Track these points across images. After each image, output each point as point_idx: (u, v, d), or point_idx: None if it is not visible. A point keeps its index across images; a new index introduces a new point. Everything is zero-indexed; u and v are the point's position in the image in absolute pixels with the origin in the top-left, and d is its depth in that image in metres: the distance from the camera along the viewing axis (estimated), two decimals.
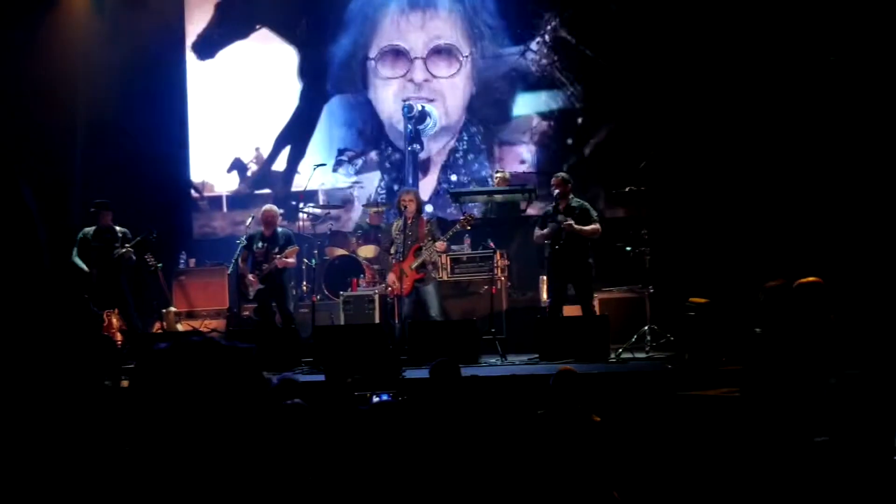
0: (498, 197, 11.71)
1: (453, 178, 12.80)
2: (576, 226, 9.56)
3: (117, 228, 10.45)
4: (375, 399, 6.43)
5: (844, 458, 3.97)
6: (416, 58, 13.00)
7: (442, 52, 12.96)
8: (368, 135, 13.10)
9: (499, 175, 12.00)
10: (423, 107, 12.34)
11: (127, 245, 10.26)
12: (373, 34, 13.15)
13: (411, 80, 12.94)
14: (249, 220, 11.23)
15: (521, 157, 12.61)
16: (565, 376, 5.46)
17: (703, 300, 8.34)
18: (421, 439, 5.00)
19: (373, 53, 13.13)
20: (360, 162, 13.02)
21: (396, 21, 13.12)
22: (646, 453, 6.65)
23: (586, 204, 9.99)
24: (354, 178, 12.97)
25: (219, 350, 1.53)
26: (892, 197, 10.27)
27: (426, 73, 12.94)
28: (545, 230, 9.79)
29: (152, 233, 10.45)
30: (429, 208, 12.45)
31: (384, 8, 13.16)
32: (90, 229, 10.46)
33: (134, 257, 10.33)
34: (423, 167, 12.63)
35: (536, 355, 9.13)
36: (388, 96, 12.99)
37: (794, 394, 5.39)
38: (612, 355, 9.05)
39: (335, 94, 13.20)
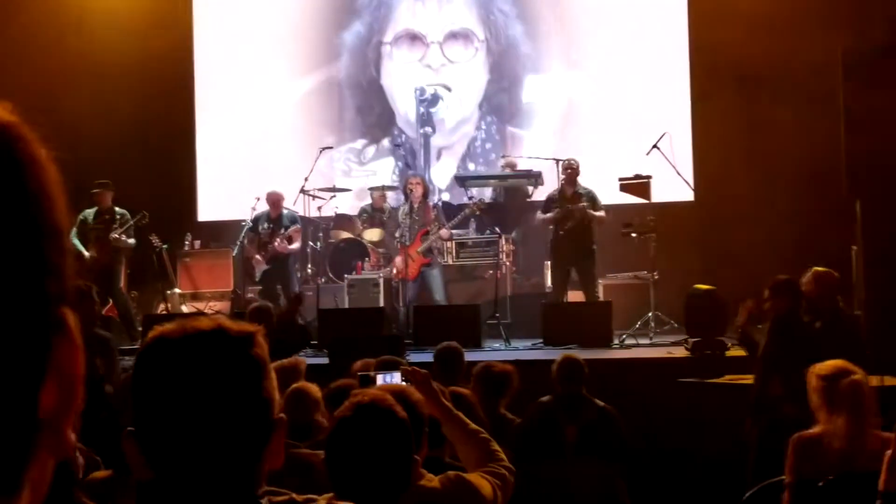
0: (504, 182, 11.71)
1: (471, 166, 12.77)
2: (589, 210, 9.59)
3: (117, 210, 10.40)
4: (381, 379, 6.43)
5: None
6: (431, 42, 12.92)
7: (458, 36, 12.88)
8: (380, 122, 13.03)
9: (505, 160, 12.01)
10: (435, 90, 12.27)
11: (121, 229, 10.17)
12: (388, 19, 13.06)
13: (428, 66, 12.87)
14: (254, 202, 11.23)
15: (535, 144, 12.55)
16: (568, 363, 5.48)
17: (708, 287, 8.33)
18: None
19: (388, 38, 13.04)
20: (372, 150, 12.96)
21: (412, 6, 13.04)
22: (648, 440, 6.67)
23: (593, 191, 10.01)
24: (367, 168, 12.91)
25: (229, 339, 1.51)
26: None
27: (442, 57, 12.87)
28: (550, 214, 9.81)
29: (144, 217, 10.36)
30: (445, 196, 12.44)
31: None
32: (90, 211, 10.40)
33: (130, 241, 10.27)
34: (440, 155, 12.58)
35: (541, 340, 9.16)
36: (402, 81, 12.85)
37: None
38: (616, 341, 9.08)
39: (347, 80, 13.10)
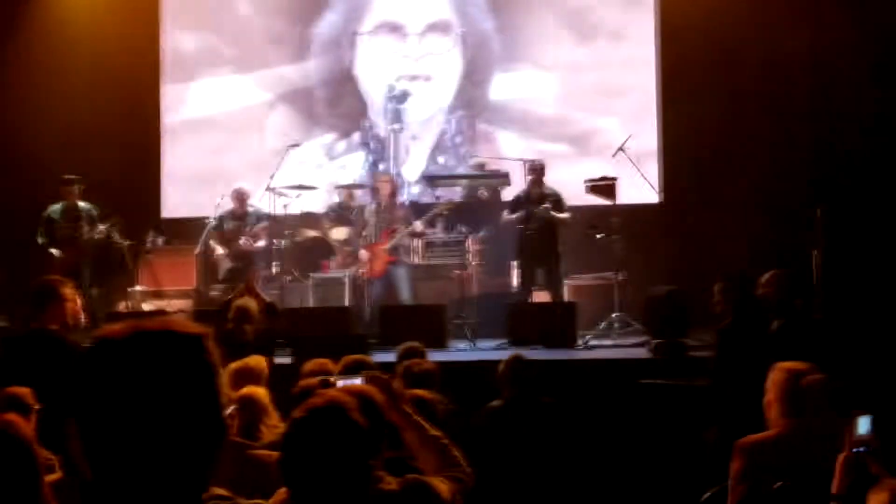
0: (473, 182, 11.74)
1: (441, 160, 12.75)
2: (552, 212, 9.63)
3: (82, 205, 10.28)
4: (341, 383, 6.42)
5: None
6: (410, 33, 12.87)
7: (437, 27, 12.84)
8: (351, 114, 12.96)
9: (474, 161, 12.06)
10: (405, 87, 12.24)
11: (100, 227, 10.08)
12: (364, 8, 13.01)
13: (406, 56, 12.83)
14: (219, 199, 11.15)
15: (504, 142, 12.58)
16: (514, 362, 5.50)
17: (669, 288, 8.40)
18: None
19: (365, 28, 12.98)
20: (342, 145, 12.92)
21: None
22: (608, 440, 6.71)
23: (559, 192, 10.07)
24: (337, 162, 12.87)
25: (178, 339, 1.50)
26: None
27: (421, 48, 12.83)
28: (515, 214, 9.85)
29: (118, 222, 10.27)
30: (415, 190, 12.43)
31: None
32: (57, 207, 10.29)
33: (98, 236, 10.18)
34: (411, 149, 12.55)
35: (506, 341, 9.18)
36: (377, 72, 12.79)
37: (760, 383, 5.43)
38: (580, 342, 9.12)
39: (319, 73, 13.03)
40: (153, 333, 1.48)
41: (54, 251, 10.09)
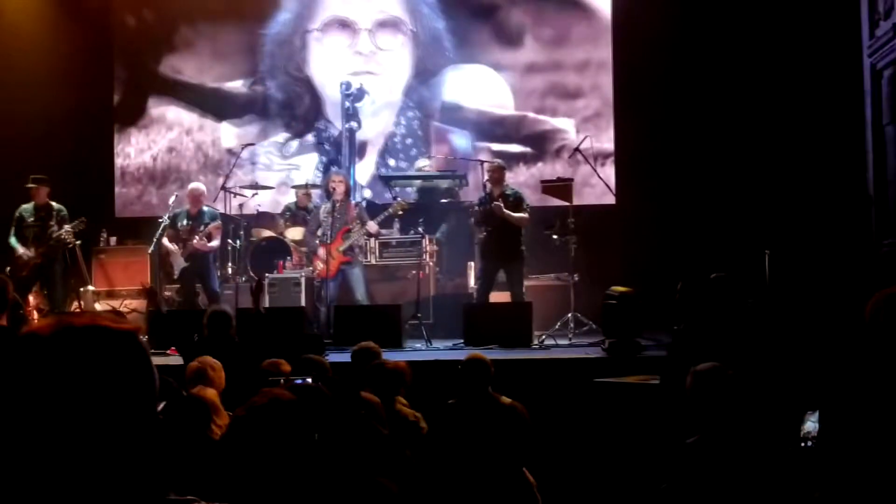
0: (428, 182, 11.75)
1: (391, 162, 12.73)
2: (504, 210, 9.63)
3: (53, 205, 10.21)
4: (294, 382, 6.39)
5: (751, 445, 4.05)
6: (361, 29, 12.84)
7: (387, 24, 12.82)
8: (305, 114, 12.92)
9: (421, 163, 12.09)
10: (361, 84, 12.21)
11: (67, 227, 9.99)
12: (315, 6, 12.96)
13: (358, 52, 12.80)
14: (173, 198, 11.06)
15: (455, 143, 12.60)
16: (473, 363, 5.51)
17: (625, 289, 8.45)
18: (337, 424, 4.99)
19: (316, 25, 12.93)
20: (295, 144, 12.88)
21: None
22: (563, 438, 6.74)
23: (521, 192, 10.10)
24: (289, 162, 12.82)
25: (106, 335, 1.47)
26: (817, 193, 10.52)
27: (371, 44, 12.80)
28: (481, 217, 9.89)
29: (82, 223, 10.17)
30: (367, 193, 12.41)
31: None
32: (28, 206, 10.18)
33: (70, 241, 10.11)
34: (361, 151, 12.51)
35: (462, 341, 9.19)
36: (330, 71, 12.73)
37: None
38: (536, 341, 9.15)
39: (271, 72, 12.97)
40: (80, 329, 1.45)
41: (23, 251, 9.99)
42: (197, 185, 10.80)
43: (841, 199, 10.26)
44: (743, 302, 6.33)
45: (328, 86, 12.73)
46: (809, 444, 3.46)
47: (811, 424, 3.53)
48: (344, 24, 12.85)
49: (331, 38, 12.88)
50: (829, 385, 3.80)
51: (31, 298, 9.89)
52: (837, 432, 3.48)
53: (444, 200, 11.60)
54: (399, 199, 11.02)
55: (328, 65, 12.81)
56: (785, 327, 6.79)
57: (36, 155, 11.50)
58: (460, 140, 12.59)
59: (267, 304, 10.41)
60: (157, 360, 1.54)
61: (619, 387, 6.89)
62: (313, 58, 12.93)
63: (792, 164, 10.86)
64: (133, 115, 13.06)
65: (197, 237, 10.19)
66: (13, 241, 10.10)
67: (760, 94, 11.22)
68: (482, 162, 10.77)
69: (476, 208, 10.01)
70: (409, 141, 12.71)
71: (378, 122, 12.67)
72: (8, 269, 9.96)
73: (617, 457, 6.56)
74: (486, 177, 10.10)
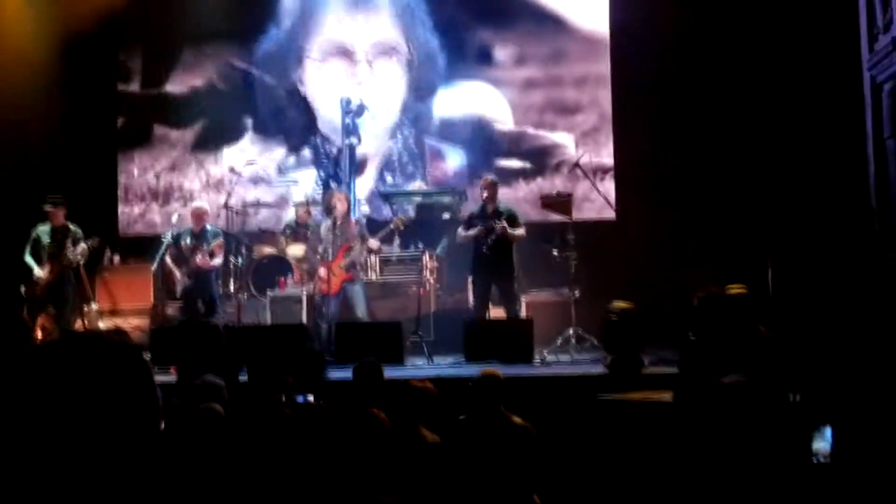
0: (428, 198, 11.76)
1: (389, 179, 12.75)
2: (509, 231, 9.64)
3: (70, 227, 10.24)
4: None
5: (764, 460, 4.03)
6: (358, 53, 12.87)
7: (384, 51, 12.87)
8: (302, 131, 12.94)
9: (413, 186, 12.12)
10: (361, 101, 12.24)
11: (82, 245, 10.02)
12: (314, 29, 13.00)
13: (353, 76, 12.83)
14: (176, 217, 11.08)
15: (453, 159, 12.62)
16: (487, 379, 5.46)
17: (626, 304, 8.44)
18: (342, 443, 4.98)
19: (314, 50, 12.96)
20: (292, 160, 12.90)
21: (339, 18, 12.98)
22: (566, 456, 6.71)
23: (513, 208, 10.12)
24: (289, 177, 12.84)
25: (110, 350, 1.47)
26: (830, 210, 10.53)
27: (368, 68, 12.84)
28: (471, 231, 9.86)
29: (97, 242, 10.21)
30: (364, 209, 12.43)
31: (324, 6, 13.02)
32: (45, 227, 10.23)
33: (80, 261, 10.15)
34: (360, 167, 12.53)
35: (463, 357, 9.18)
36: (327, 93, 12.80)
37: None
38: (537, 358, 9.14)
39: (266, 89, 13.00)
40: (85, 344, 1.46)
41: (38, 270, 10.03)
42: (199, 203, 10.83)
43: (843, 212, 10.26)
44: (753, 322, 6.32)
45: (323, 107, 12.81)
46: (821, 460, 3.45)
47: (822, 443, 3.52)
48: (340, 49, 12.89)
49: (328, 63, 12.92)
50: (842, 401, 3.80)
51: (39, 319, 9.94)
52: (852, 449, 3.47)
53: (443, 216, 11.61)
54: (398, 214, 11.03)
55: (324, 88, 12.87)
56: (792, 341, 6.78)
57: (40, 173, 11.52)
58: (457, 156, 12.60)
59: (269, 322, 10.44)
60: (159, 378, 1.54)
61: (624, 404, 6.87)
62: (309, 79, 12.96)
63: (793, 178, 10.86)
64: (137, 137, 13.11)
65: (200, 255, 10.21)
66: (28, 259, 10.15)
67: (760, 107, 11.24)
68: (476, 177, 10.79)
69: (474, 224, 9.96)
70: (405, 157, 12.74)
71: (376, 138, 12.69)
72: (22, 287, 10.01)
73: (624, 477, 6.53)
74: (481, 193, 10.09)
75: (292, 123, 12.95)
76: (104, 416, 1.43)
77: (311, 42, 12.98)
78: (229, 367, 6.89)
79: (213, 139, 12.99)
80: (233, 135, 12.99)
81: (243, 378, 8.00)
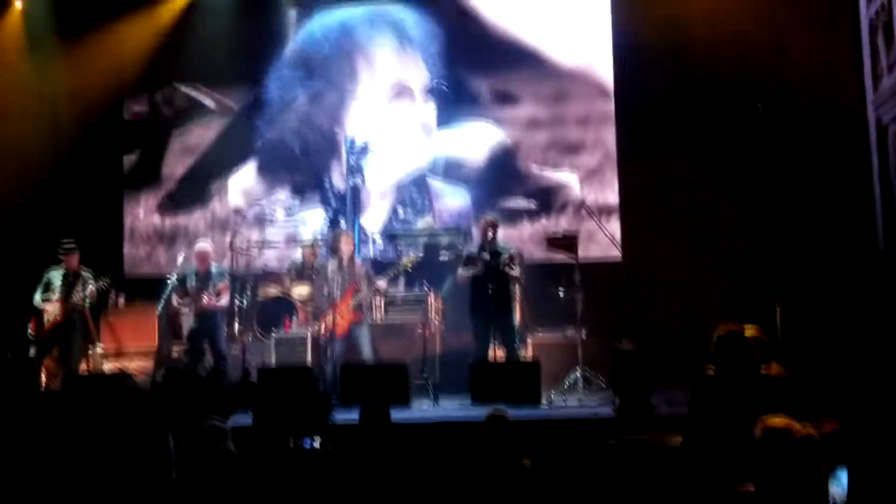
0: (433, 239, 11.73)
1: (401, 213, 12.74)
2: (506, 268, 9.59)
3: (83, 271, 10.25)
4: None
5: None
6: (362, 93, 12.93)
7: (397, 91, 12.92)
8: (308, 170, 12.97)
9: (421, 223, 12.11)
10: (365, 141, 12.27)
11: (90, 287, 10.04)
12: (322, 71, 13.07)
13: (359, 116, 12.87)
14: (181, 257, 11.07)
15: (457, 199, 12.62)
16: (495, 420, 5.40)
17: (633, 345, 8.39)
18: (349, 489, 4.92)
19: (320, 89, 13.03)
20: (298, 200, 12.91)
21: (346, 59, 13.05)
22: (576, 499, 6.63)
23: (512, 248, 10.07)
24: (296, 217, 12.84)
25: (120, 392, 1.46)
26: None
27: (374, 108, 12.88)
28: (471, 270, 9.82)
29: (107, 282, 10.25)
30: (380, 244, 12.41)
31: (332, 48, 13.09)
32: (57, 272, 10.25)
33: (86, 304, 10.17)
34: (367, 205, 12.53)
35: (469, 399, 9.11)
36: (333, 131, 12.85)
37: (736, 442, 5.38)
38: (544, 399, 9.07)
39: (273, 129, 13.05)
40: (95, 385, 1.44)
41: (49, 308, 10.04)
42: (202, 244, 10.81)
43: (851, 253, 10.22)
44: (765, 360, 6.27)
45: (332, 146, 12.82)
46: (836, 501, 3.39)
47: (837, 487, 3.46)
48: (348, 93, 12.96)
49: (335, 105, 12.98)
50: (858, 441, 3.74)
51: (45, 360, 9.95)
52: (869, 492, 3.41)
53: (448, 256, 11.57)
54: (405, 254, 10.99)
55: (331, 127, 12.90)
56: (803, 381, 6.72)
57: (44, 213, 11.55)
58: (462, 196, 12.60)
59: (273, 362, 10.38)
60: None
61: (634, 446, 6.79)
62: (315, 119, 12.99)
63: (800, 218, 10.83)
64: (145, 178, 13.15)
65: (206, 296, 10.20)
66: (38, 301, 10.17)
67: (767, 147, 11.22)
68: (477, 217, 10.77)
69: (473, 260, 9.92)
70: (415, 194, 12.74)
71: (384, 181, 12.70)
72: (29, 328, 10.03)
73: None
74: (481, 232, 10.06)
75: (299, 163, 12.96)
76: (116, 462, 1.41)
77: (318, 83, 13.03)
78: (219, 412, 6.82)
79: (218, 178, 13.01)
80: (239, 174, 13.01)
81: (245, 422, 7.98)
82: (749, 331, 6.15)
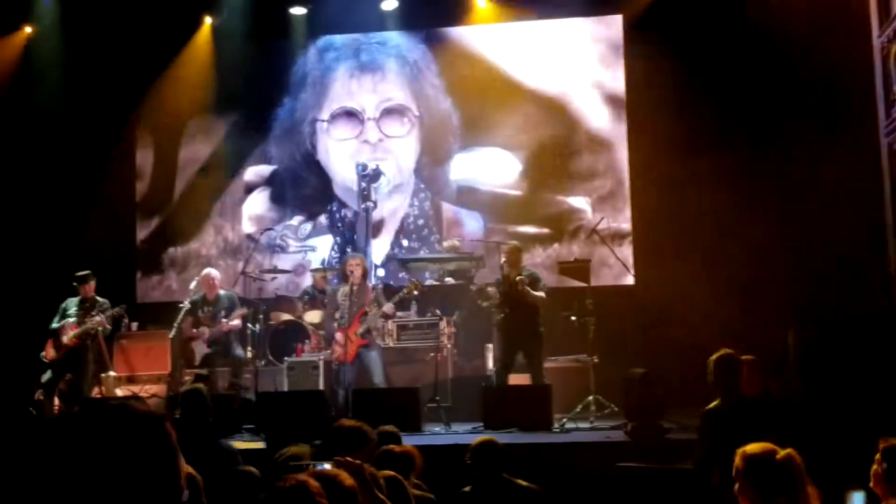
0: (446, 265, 11.74)
1: (405, 242, 12.79)
2: (525, 286, 9.59)
3: (98, 299, 10.33)
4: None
5: None
6: (368, 118, 13.01)
7: (393, 112, 13.00)
8: (316, 197, 13.03)
9: (447, 244, 12.09)
10: (377, 165, 12.33)
11: (104, 314, 10.11)
12: (323, 96, 13.16)
13: (365, 141, 12.95)
14: (193, 283, 11.13)
15: (469, 225, 12.65)
16: (483, 447, 5.42)
17: (645, 370, 8.37)
18: None
19: (324, 115, 13.11)
20: (308, 227, 12.97)
21: (346, 84, 13.15)
22: None
23: (536, 273, 10.09)
24: (307, 244, 12.90)
25: (130, 417, 1.47)
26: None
27: (379, 132, 12.96)
28: (485, 304, 9.87)
29: (122, 311, 10.33)
30: (381, 272, 12.44)
31: (332, 72, 13.18)
32: (74, 301, 10.34)
33: (98, 330, 10.23)
34: (375, 231, 12.58)
35: (481, 424, 9.09)
36: (340, 157, 12.92)
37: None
38: (556, 425, 9.05)
39: (280, 156, 13.14)
40: (108, 412, 1.45)
41: (64, 333, 10.12)
42: (209, 270, 10.91)
43: (862, 278, 10.18)
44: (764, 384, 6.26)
45: (338, 173, 12.93)
46: None
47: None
48: (350, 114, 13.04)
49: (338, 128, 13.07)
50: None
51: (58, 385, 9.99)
52: None
53: (461, 282, 11.57)
54: (414, 280, 11.01)
55: (337, 154, 13.00)
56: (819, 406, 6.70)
57: (57, 238, 11.62)
58: (474, 222, 12.63)
59: (285, 388, 10.39)
60: None
61: (645, 472, 6.78)
62: (322, 146, 13.09)
63: (812, 243, 10.80)
64: (157, 205, 13.24)
65: (221, 323, 10.31)
66: (54, 326, 10.25)
67: (778, 171, 11.23)
68: (499, 244, 10.77)
69: (491, 290, 9.97)
70: (421, 222, 12.78)
71: (391, 203, 12.76)
72: (43, 353, 10.09)
73: None
74: (503, 258, 10.08)
75: (308, 190, 13.03)
76: (126, 487, 1.42)
77: (323, 109, 13.12)
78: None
79: (230, 204, 13.10)
80: (250, 202, 13.09)
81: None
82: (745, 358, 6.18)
